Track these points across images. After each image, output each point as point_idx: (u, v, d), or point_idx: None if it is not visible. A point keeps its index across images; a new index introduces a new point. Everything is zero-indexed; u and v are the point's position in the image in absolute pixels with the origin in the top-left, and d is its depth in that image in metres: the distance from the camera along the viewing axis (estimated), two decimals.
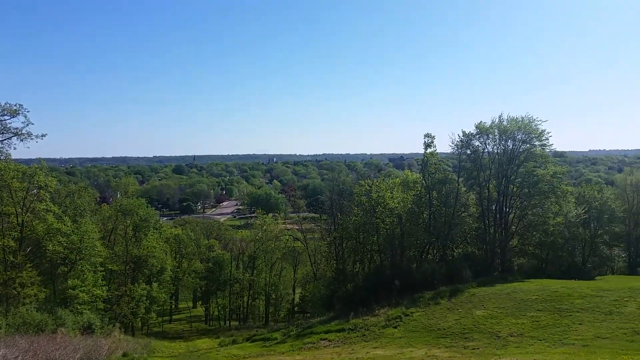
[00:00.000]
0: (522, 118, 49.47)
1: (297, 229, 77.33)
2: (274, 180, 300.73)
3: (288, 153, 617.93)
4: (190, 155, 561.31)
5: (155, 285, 59.52)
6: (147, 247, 56.93)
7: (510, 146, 50.05)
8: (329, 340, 32.70)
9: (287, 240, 67.05)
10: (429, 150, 49.58)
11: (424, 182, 49.85)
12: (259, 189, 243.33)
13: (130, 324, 55.33)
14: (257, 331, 44.73)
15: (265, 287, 71.94)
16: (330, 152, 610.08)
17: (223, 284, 74.18)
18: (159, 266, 61.19)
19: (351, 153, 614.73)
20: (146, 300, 56.32)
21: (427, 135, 49.68)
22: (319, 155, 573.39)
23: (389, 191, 49.93)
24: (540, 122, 49.24)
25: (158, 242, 61.28)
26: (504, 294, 36.15)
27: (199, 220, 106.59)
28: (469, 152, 51.83)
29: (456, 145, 51.58)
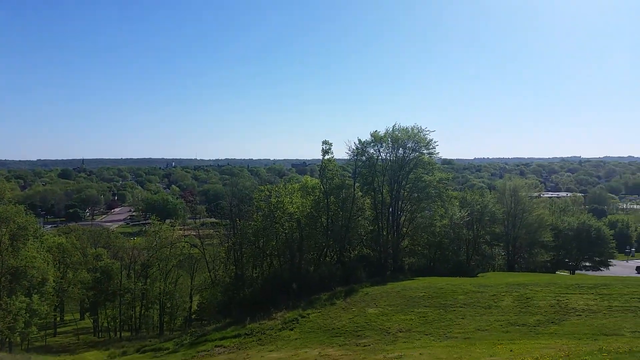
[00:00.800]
0: (412, 128, 52.41)
1: (194, 235, 75.19)
2: (172, 186, 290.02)
3: (188, 157, 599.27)
4: (78, 158, 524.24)
5: (36, 297, 54.74)
6: (26, 257, 52.28)
7: (402, 154, 52.75)
8: (224, 347, 32.15)
9: (184, 247, 64.91)
10: (326, 156, 50.83)
11: (322, 187, 50.89)
12: (155, 194, 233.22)
13: (7, 339, 50.41)
14: (149, 341, 42.78)
15: (160, 296, 69.07)
16: (233, 157, 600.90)
17: (112, 295, 70.00)
18: (40, 277, 56.45)
19: (254, 158, 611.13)
20: (26, 313, 51.76)
21: (324, 142, 50.95)
22: (221, 160, 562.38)
23: (288, 196, 50.34)
24: (428, 132, 52.53)
25: (39, 251, 56.52)
26: (395, 292, 37.84)
27: (86, 227, 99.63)
28: (364, 158, 53.92)
29: (353, 152, 53.52)
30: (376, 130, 53.10)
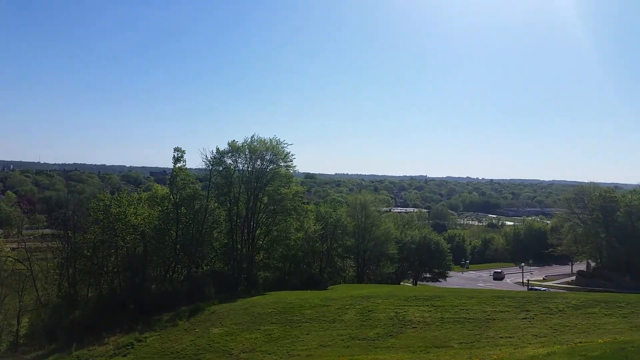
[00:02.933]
0: (271, 140, 52.07)
1: (23, 249, 66.29)
2: (8, 191, 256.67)
3: (30, 160, 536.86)
4: None
5: None
6: None
7: (259, 165, 52.02)
8: None
9: (10, 262, 56.59)
10: (178, 164, 48.09)
11: (171, 197, 47.89)
12: None
13: None
14: None
15: None
16: (83, 162, 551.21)
17: None
18: None
19: (107, 164, 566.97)
20: None
21: (176, 150, 48.27)
22: (69, 164, 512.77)
23: (132, 206, 46.37)
24: (286, 145, 52.61)
25: None
26: (243, 309, 36.49)
27: None
28: (221, 168, 52.20)
29: (209, 161, 51.54)
30: (234, 140, 51.95)
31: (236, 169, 52.09)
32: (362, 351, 26.02)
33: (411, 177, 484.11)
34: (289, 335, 30.22)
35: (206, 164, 50.99)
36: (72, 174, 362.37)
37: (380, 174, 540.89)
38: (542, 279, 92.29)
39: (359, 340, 28.08)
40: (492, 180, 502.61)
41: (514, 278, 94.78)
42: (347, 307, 34.45)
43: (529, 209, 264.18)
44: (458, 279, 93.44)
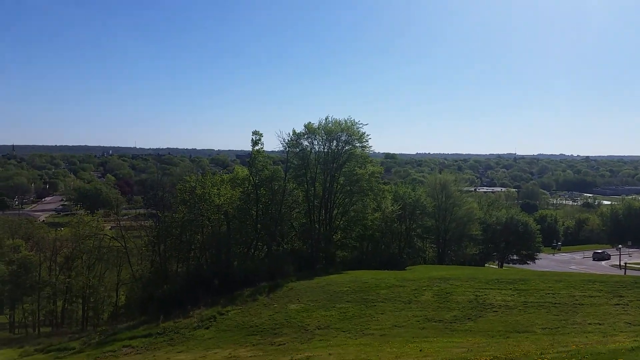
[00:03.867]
0: (345, 121, 51.79)
1: (111, 228, 71.68)
2: (108, 175, 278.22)
3: (127, 146, 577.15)
4: (9, 145, 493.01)
5: None
6: None
7: (335, 146, 52.03)
8: (132, 347, 30.10)
9: (107, 240, 61.48)
10: (256, 147, 49.31)
11: (251, 179, 49.25)
12: (88, 183, 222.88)
13: None
14: (57, 339, 39.82)
15: (83, 290, 65.30)
16: (175, 147, 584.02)
17: (30, 289, 65.52)
18: None
19: (197, 148, 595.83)
20: None
21: (254, 133, 49.39)
22: (162, 149, 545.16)
23: (215, 188, 48.29)
24: (361, 125, 52.11)
25: None
26: (319, 286, 36.96)
27: (8, 217, 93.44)
28: (297, 150, 52.85)
29: (286, 143, 52.29)
30: (310, 122, 52.23)
31: (312, 150, 52.49)
32: (438, 333, 25.41)
33: (499, 155, 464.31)
34: (364, 314, 30.19)
35: (283, 146, 51.80)
36: (165, 157, 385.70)
37: (464, 153, 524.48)
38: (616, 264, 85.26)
39: (435, 322, 27.46)
40: (588, 157, 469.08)
41: (610, 260, 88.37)
42: (424, 288, 33.80)
43: (628, 187, 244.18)
44: (548, 262, 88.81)
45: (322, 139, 52.13)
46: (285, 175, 51.37)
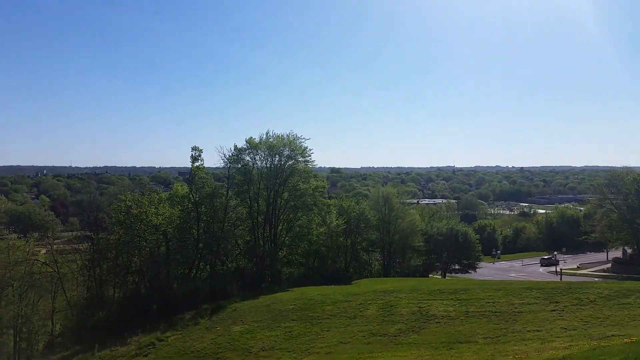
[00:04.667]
0: (288, 135, 51.59)
1: (54, 251, 67.59)
2: (42, 196, 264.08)
3: (62, 165, 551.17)
4: None
5: None
6: None
7: (278, 161, 51.60)
8: None
9: (39, 265, 57.74)
10: (196, 164, 48.06)
11: (191, 196, 47.86)
12: (21, 205, 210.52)
13: None
14: None
15: (15, 320, 60.82)
16: (113, 165, 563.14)
17: None
18: None
19: (137, 166, 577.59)
20: None
21: (194, 149, 48.28)
22: (99, 167, 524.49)
23: (153, 206, 46.56)
24: (303, 140, 52.05)
25: None
26: (264, 305, 36.11)
27: None
28: (239, 166, 51.99)
29: (228, 159, 51.33)
30: (251, 137, 51.64)
31: (255, 165, 51.86)
32: (383, 348, 25.21)
33: (438, 168, 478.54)
34: (309, 332, 29.63)
35: (225, 162, 50.89)
36: (102, 176, 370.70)
37: (407, 166, 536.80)
38: (576, 267, 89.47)
39: (379, 336, 27.27)
40: (522, 168, 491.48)
41: (545, 267, 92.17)
42: (369, 302, 33.66)
43: (561, 196, 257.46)
44: (489, 270, 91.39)
45: (265, 154, 51.69)
46: (227, 192, 50.33)
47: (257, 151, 51.58)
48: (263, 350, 27.84)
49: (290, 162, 51.74)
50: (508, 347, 21.94)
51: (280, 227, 52.92)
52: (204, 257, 48.89)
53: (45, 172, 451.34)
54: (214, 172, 64.48)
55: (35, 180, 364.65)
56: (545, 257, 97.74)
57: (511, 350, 20.62)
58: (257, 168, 52.27)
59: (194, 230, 48.09)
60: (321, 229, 53.52)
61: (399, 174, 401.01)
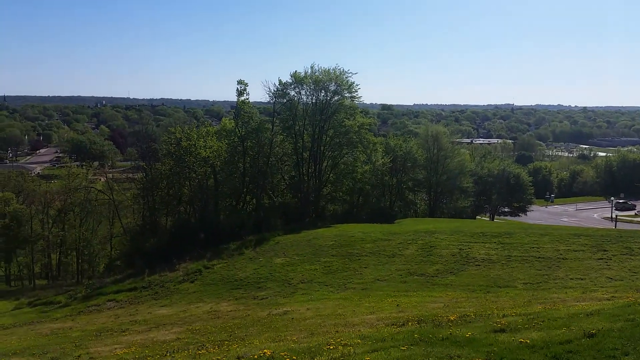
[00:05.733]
0: (334, 69, 50.25)
1: (112, 180, 71.11)
2: (101, 126, 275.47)
3: (120, 96, 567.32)
4: (0, 95, 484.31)
5: None
6: None
7: (323, 97, 50.72)
8: (116, 301, 30.21)
9: (95, 192, 61.12)
10: (241, 98, 47.98)
11: (237, 131, 48.22)
12: (82, 134, 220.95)
13: None
14: (49, 292, 40.10)
15: (76, 243, 65.54)
16: (169, 97, 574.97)
17: (23, 242, 65.75)
18: None
19: (192, 99, 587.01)
20: None
21: (239, 82, 47.98)
22: (156, 99, 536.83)
23: (202, 139, 47.40)
24: (350, 75, 50.60)
25: None
26: (305, 240, 36.86)
27: (3, 170, 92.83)
28: (285, 101, 51.51)
29: (273, 94, 50.83)
30: (296, 71, 50.54)
31: (300, 101, 51.20)
32: (419, 287, 25.39)
33: (496, 106, 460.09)
34: (348, 268, 30.15)
35: (270, 96, 50.39)
36: (158, 108, 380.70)
37: (462, 104, 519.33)
38: (634, 214, 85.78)
39: (417, 276, 27.41)
40: (585, 108, 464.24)
41: (601, 213, 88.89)
42: (409, 242, 33.65)
43: (625, 139, 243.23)
44: (541, 214, 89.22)
45: (310, 88, 50.73)
46: (272, 127, 50.31)
47: (302, 86, 50.63)
48: (302, 283, 28.67)
49: (336, 98, 50.70)
50: (547, 294, 21.51)
51: (325, 164, 52.86)
52: (251, 191, 49.90)
53: (104, 102, 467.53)
54: (260, 107, 64.61)
55: (95, 110, 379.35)
56: (621, 200, 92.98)
57: (550, 298, 20.20)
58: (303, 103, 51.66)
59: (241, 164, 48.84)
60: (366, 167, 53.12)
61: (454, 112, 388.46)
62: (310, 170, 52.10)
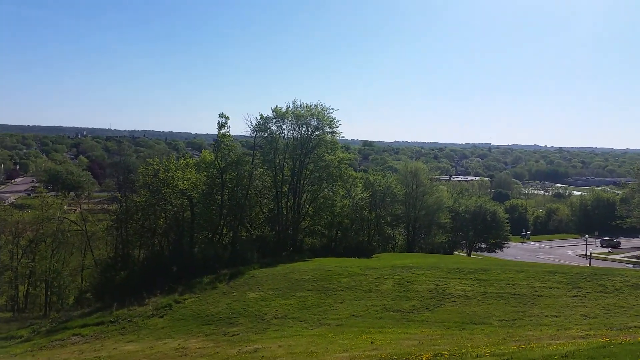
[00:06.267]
0: (316, 105, 50.83)
1: (85, 211, 69.62)
2: (81, 156, 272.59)
3: (102, 127, 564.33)
4: None
5: None
6: None
7: (304, 131, 51.05)
8: (82, 336, 28.97)
9: (67, 223, 59.69)
10: (222, 130, 47.97)
11: (216, 163, 47.94)
12: (60, 164, 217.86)
13: None
14: (10, 327, 38.34)
15: (46, 275, 63.42)
16: (151, 129, 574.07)
17: None
18: None
19: (174, 131, 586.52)
20: None
21: (221, 115, 48.11)
22: (137, 131, 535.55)
23: (180, 171, 46.97)
24: (332, 111, 51.23)
25: None
26: (282, 274, 36.22)
27: None
28: (266, 134, 51.66)
29: (255, 127, 51.02)
30: (278, 106, 51.10)
31: (281, 135, 51.42)
32: (394, 323, 24.91)
33: (474, 145, 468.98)
34: (323, 303, 29.55)
35: (251, 129, 50.59)
36: (140, 140, 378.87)
37: (441, 142, 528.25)
38: (607, 252, 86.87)
39: (392, 312, 26.96)
40: (561, 148, 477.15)
41: (576, 250, 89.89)
42: (386, 277, 33.30)
43: (599, 179, 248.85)
44: (517, 250, 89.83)
45: (292, 123, 51.10)
46: (253, 159, 50.24)
47: (283, 120, 51.06)
48: (275, 318, 27.94)
49: (317, 133, 51.12)
50: (522, 331, 21.28)
51: (304, 198, 52.74)
52: (228, 223, 49.27)
53: (85, 133, 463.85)
54: (242, 140, 64.52)
55: (75, 141, 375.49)
56: (606, 238, 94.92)
57: (525, 335, 19.96)
58: (284, 137, 51.87)
59: (219, 197, 48.36)
60: (345, 201, 53.08)
61: (432, 149, 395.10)
62: (289, 204, 51.87)
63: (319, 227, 54.58)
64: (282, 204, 51.48)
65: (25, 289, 65.42)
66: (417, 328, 23.56)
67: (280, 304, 30.29)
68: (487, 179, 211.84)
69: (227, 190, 48.70)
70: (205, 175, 48.61)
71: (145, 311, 31.66)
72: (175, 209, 45.94)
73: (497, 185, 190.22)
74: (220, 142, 48.04)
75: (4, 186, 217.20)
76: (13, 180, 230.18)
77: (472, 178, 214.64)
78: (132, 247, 47.97)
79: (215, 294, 33.75)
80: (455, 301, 27.76)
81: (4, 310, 65.47)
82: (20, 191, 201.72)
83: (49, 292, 64.62)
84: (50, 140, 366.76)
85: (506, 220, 74.39)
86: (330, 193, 52.84)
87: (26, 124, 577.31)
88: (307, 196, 52.92)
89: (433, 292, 29.35)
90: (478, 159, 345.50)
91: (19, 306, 65.75)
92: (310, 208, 52.75)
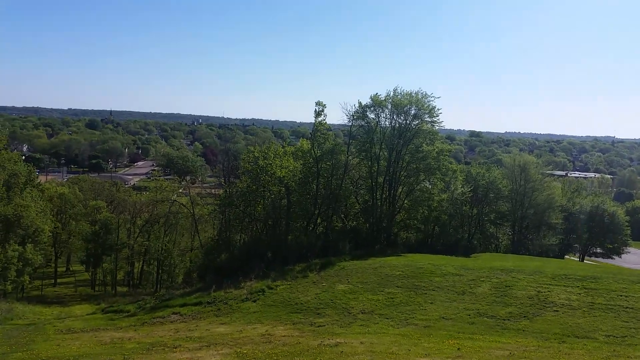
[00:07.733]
0: (416, 93, 49.01)
1: (196, 195, 74.21)
2: (196, 142, 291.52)
3: (215, 115, 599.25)
4: (108, 109, 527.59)
5: (29, 246, 54.84)
6: (19, 206, 51.89)
7: (403, 120, 49.60)
8: (180, 315, 30.78)
9: (176, 205, 63.98)
10: (319, 119, 47.94)
11: (312, 152, 48.29)
12: (177, 150, 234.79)
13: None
14: (124, 300, 41.98)
15: (158, 254, 68.78)
16: (260, 118, 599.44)
17: (109, 249, 70.04)
18: (34, 227, 56.41)
19: (280, 120, 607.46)
20: (18, 262, 51.85)
21: (317, 104, 47.98)
22: (247, 120, 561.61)
23: (278, 159, 48.00)
24: (432, 99, 49.14)
25: (35, 201, 56.17)
26: (372, 268, 35.73)
27: (92, 179, 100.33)
28: (363, 123, 50.94)
29: (352, 116, 50.45)
30: (377, 94, 49.81)
31: (378, 124, 50.39)
32: (487, 330, 23.46)
33: (595, 138, 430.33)
34: (412, 301, 28.67)
35: (348, 118, 49.92)
36: (249, 128, 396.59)
37: (558, 134, 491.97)
38: None
39: (486, 317, 25.39)
40: None
41: None
42: (482, 279, 31.48)
43: None
44: (638, 257, 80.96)
45: (389, 112, 49.79)
46: (348, 149, 49.87)
47: (381, 109, 49.83)
48: (362, 313, 27.62)
49: (416, 122, 49.36)
50: (632, 351, 18.96)
51: (400, 190, 51.42)
52: (322, 213, 49.57)
53: (200, 121, 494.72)
54: (339, 129, 64.52)
55: (191, 128, 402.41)
56: None
57: (634, 356, 17.78)
58: (381, 126, 50.81)
59: (314, 186, 48.76)
60: (444, 195, 50.97)
61: (548, 142, 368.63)
62: (384, 196, 50.91)
63: (415, 222, 52.96)
64: (377, 196, 50.60)
65: (140, 266, 71.47)
66: (511, 337, 21.97)
67: (368, 298, 29.90)
68: (609, 176, 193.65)
69: (322, 180, 48.91)
70: (301, 164, 49.20)
71: (240, 294, 32.87)
72: (272, 196, 47.12)
73: (620, 184, 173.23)
74: (317, 130, 48.17)
75: (127, 168, 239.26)
76: (136, 164, 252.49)
77: (592, 175, 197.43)
78: (234, 231, 50.07)
79: (306, 283, 34.12)
80: (557, 311, 25.50)
81: (121, 285, 72.22)
82: (141, 174, 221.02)
83: (160, 270, 70.07)
84: (169, 127, 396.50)
85: (626, 223, 67.14)
86: (428, 186, 50.99)
87: (148, 111, 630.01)
88: (403, 188, 51.49)
89: (533, 299, 27.21)
90: (599, 153, 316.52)
91: (134, 282, 72.06)
92: (406, 201, 51.32)
